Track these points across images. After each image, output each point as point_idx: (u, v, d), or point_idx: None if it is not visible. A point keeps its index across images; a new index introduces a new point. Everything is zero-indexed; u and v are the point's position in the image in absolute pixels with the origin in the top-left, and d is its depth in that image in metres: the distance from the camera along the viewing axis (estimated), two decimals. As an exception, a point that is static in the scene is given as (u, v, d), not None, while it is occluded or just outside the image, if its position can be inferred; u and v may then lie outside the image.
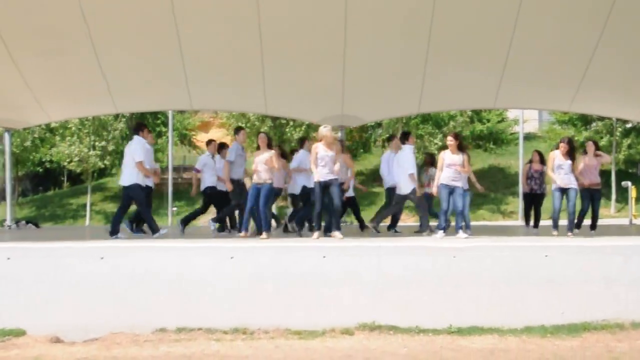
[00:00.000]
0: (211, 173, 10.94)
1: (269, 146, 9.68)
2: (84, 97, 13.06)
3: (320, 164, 9.17)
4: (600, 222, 11.10)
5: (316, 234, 9.07)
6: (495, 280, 7.26)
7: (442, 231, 9.28)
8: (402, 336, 6.91)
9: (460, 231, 9.25)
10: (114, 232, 9.54)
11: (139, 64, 11.72)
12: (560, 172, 9.68)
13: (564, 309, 7.21)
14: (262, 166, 9.39)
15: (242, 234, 9.36)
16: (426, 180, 11.87)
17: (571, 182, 9.68)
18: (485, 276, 7.29)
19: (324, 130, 9.27)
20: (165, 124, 32.50)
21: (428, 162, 12.16)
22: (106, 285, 7.23)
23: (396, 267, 7.31)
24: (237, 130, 11.07)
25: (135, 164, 9.56)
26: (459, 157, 9.48)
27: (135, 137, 9.85)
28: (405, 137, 10.78)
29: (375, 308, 7.18)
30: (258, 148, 9.64)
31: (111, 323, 7.05)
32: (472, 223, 11.12)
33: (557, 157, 9.75)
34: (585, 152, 10.49)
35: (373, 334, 6.98)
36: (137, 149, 9.65)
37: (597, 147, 10.65)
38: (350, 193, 11.57)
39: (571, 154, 9.75)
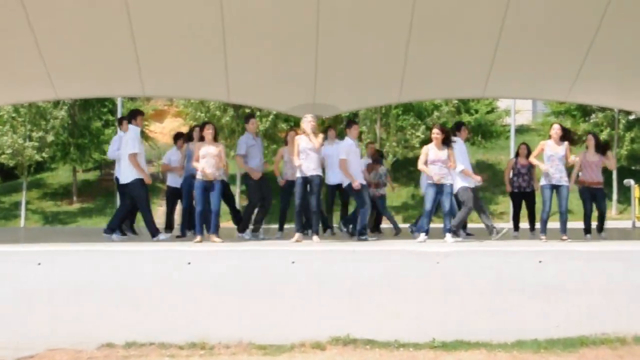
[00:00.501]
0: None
1: (216, 139, 9.64)
2: (18, 80, 12.83)
3: (302, 157, 9.29)
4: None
5: (297, 235, 9.16)
6: (483, 289, 7.35)
7: (424, 234, 9.35)
8: (379, 351, 6.94)
9: (448, 234, 9.32)
10: (109, 230, 9.76)
11: (82, 43, 11.55)
12: (552, 165, 9.66)
13: (559, 321, 7.31)
14: (209, 161, 9.30)
15: (198, 238, 9.25)
16: (375, 179, 11.95)
17: (563, 178, 9.66)
18: (472, 284, 7.37)
19: (303, 121, 9.38)
20: (113, 113, 32.14)
21: (376, 158, 12.20)
22: (43, 294, 7.15)
23: (374, 274, 7.35)
24: (248, 118, 11.07)
25: (128, 157, 9.54)
26: (444, 152, 9.55)
27: (130, 127, 9.85)
28: (457, 129, 10.74)
29: (350, 320, 7.21)
30: (202, 139, 9.56)
31: (49, 338, 6.97)
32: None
33: (547, 146, 9.73)
34: (586, 147, 10.61)
35: (347, 348, 7.00)
36: (133, 140, 9.62)
37: (598, 141, 10.76)
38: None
39: (566, 141, 9.74)
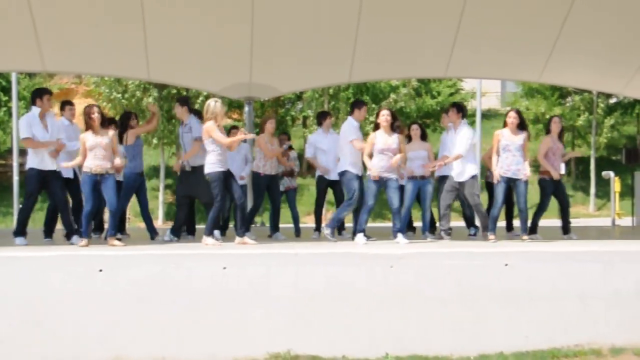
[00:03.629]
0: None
1: (104, 124, 9.44)
2: None
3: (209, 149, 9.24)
4: (576, 222, 11.49)
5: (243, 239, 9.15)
6: (443, 296, 7.48)
7: (361, 234, 9.47)
8: (325, 369, 7.04)
9: (400, 235, 9.43)
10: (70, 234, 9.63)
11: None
12: (508, 156, 9.80)
13: (528, 331, 7.50)
14: (100, 152, 9.13)
15: (84, 242, 9.03)
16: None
17: (521, 172, 9.80)
18: (431, 291, 7.50)
19: (216, 105, 9.22)
20: (7, 91, 31.45)
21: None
22: None
23: (318, 281, 7.42)
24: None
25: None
26: (394, 139, 9.62)
27: (33, 108, 9.82)
28: (460, 110, 10.82)
29: (291, 333, 7.27)
30: (87, 128, 9.34)
31: None
32: (417, 224, 11.39)
33: (503, 136, 9.89)
34: (548, 132, 10.74)
35: (288, 367, 7.07)
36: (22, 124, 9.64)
37: (562, 132, 10.87)
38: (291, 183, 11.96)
39: (522, 129, 9.92)
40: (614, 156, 34.50)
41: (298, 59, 12.91)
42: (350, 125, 10.22)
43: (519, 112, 10.05)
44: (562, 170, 10.84)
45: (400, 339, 7.32)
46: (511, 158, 9.79)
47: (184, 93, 27.64)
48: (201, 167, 9.54)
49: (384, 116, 9.63)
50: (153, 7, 11.29)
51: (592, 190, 31.57)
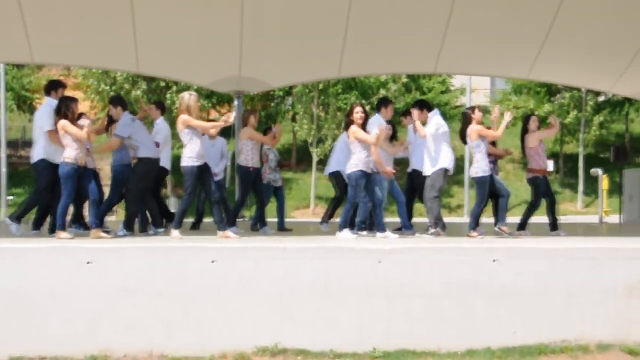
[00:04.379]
0: None
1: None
2: None
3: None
4: (564, 219, 11.51)
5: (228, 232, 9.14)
6: (431, 292, 7.49)
7: (347, 229, 9.49)
8: (312, 363, 7.05)
9: (387, 230, 9.48)
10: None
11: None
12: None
13: (515, 326, 7.53)
14: (82, 143, 9.05)
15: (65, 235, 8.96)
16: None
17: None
18: (419, 286, 7.50)
19: (190, 98, 9.17)
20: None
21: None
22: None
23: (306, 275, 7.42)
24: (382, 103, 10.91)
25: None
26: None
27: (47, 99, 9.89)
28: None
29: (279, 327, 7.28)
30: (70, 118, 9.24)
31: None
32: (418, 219, 11.42)
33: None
34: (526, 130, 10.70)
35: (276, 360, 7.09)
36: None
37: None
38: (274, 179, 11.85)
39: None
40: (602, 154, 34.66)
41: (287, 53, 12.91)
42: (378, 121, 10.22)
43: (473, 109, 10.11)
44: (550, 168, 10.87)
45: (388, 334, 7.33)
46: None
47: (173, 87, 27.58)
48: (142, 159, 9.93)
49: (358, 113, 9.62)
50: (142, 0, 11.27)
51: (580, 187, 31.74)
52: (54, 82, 10.40)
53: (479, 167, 9.78)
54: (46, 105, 9.86)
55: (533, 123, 10.59)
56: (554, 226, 10.76)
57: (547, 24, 12.06)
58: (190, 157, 9.04)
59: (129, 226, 9.89)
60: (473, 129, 9.81)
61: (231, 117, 9.21)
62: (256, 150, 10.94)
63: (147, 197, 10.33)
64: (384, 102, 10.70)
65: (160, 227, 10.29)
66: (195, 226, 12.07)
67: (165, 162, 10.87)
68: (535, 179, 10.48)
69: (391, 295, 7.45)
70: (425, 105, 10.77)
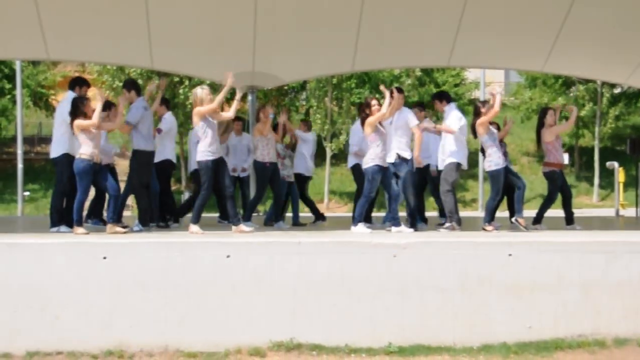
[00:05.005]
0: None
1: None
2: None
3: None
4: (580, 213, 11.49)
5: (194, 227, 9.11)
6: (446, 286, 7.47)
7: (362, 224, 9.46)
8: (328, 357, 7.04)
9: (402, 224, 9.47)
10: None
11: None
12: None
13: (531, 321, 7.50)
14: (97, 140, 9.06)
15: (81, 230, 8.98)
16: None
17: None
18: (434, 281, 7.49)
19: (202, 92, 9.18)
20: (11, 79, 31.48)
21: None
22: None
23: (320, 269, 7.41)
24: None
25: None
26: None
27: (69, 93, 9.89)
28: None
29: (294, 322, 7.28)
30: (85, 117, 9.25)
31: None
32: (430, 214, 11.35)
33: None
34: (542, 124, 10.62)
35: (291, 355, 7.07)
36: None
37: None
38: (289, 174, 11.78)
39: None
40: (618, 146, 34.47)
41: (301, 47, 12.91)
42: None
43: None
44: (565, 161, 10.81)
45: (403, 329, 7.32)
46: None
47: (186, 82, 27.61)
48: (137, 152, 9.77)
49: (375, 106, 9.57)
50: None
51: (596, 180, 31.59)
52: (81, 79, 10.40)
53: (491, 160, 9.74)
54: (69, 98, 9.84)
55: (550, 117, 10.50)
56: (569, 220, 10.71)
57: (562, 16, 11.99)
58: (204, 152, 9.06)
59: (144, 221, 9.89)
60: (479, 123, 9.78)
61: (230, 75, 9.18)
62: (271, 146, 10.93)
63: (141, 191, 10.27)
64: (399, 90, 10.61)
65: (146, 224, 10.14)
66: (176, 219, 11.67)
67: (171, 155, 10.90)
68: (552, 173, 10.43)
69: (406, 290, 7.43)
70: (445, 97, 10.74)
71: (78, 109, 8.96)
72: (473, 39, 12.62)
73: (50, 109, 37.21)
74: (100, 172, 9.09)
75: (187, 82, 27.99)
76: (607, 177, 30.22)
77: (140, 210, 10.06)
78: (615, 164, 21.36)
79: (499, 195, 9.89)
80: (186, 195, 27.84)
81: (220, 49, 12.81)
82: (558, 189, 10.50)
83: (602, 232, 10.12)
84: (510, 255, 7.62)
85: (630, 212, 19.56)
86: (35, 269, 7.20)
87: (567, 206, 10.76)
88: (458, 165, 10.19)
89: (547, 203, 10.55)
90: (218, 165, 9.16)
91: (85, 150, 8.85)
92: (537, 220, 10.44)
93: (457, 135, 10.18)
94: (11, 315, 7.06)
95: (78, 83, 10.13)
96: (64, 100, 9.93)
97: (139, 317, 7.17)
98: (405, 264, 7.50)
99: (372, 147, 9.47)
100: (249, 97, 14.74)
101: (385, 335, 7.26)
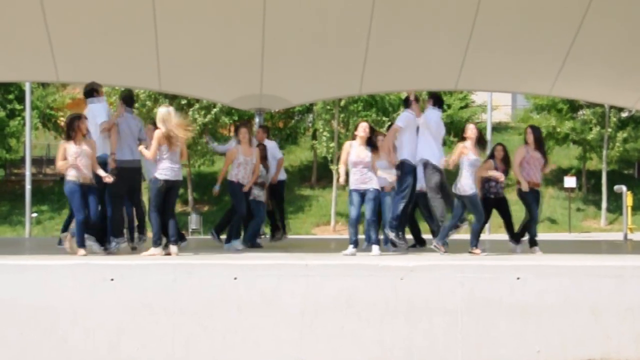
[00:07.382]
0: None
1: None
2: None
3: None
4: (587, 236, 11.41)
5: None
6: (454, 309, 7.45)
7: (352, 246, 9.32)
8: (335, 381, 7.02)
9: (375, 247, 9.26)
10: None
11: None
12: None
13: (539, 345, 7.46)
14: (85, 161, 9.04)
15: (82, 252, 8.91)
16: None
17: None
18: (441, 304, 7.46)
19: (166, 112, 8.98)
20: (21, 100, 31.61)
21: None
22: None
23: (328, 292, 7.40)
24: None
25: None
26: (367, 154, 9.35)
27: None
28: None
29: (301, 345, 7.26)
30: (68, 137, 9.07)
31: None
32: (426, 236, 11.28)
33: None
34: (526, 143, 10.48)
35: (297, 379, 7.06)
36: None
37: (539, 136, 10.62)
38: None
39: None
40: (626, 170, 34.40)
41: (309, 70, 12.96)
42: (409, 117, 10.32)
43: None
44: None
45: (410, 351, 7.29)
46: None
47: (196, 104, 27.68)
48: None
49: (362, 129, 9.44)
50: (165, 19, 11.37)
51: (604, 204, 31.47)
52: (95, 84, 10.10)
53: (462, 184, 9.56)
54: (93, 109, 9.72)
55: (529, 135, 10.29)
56: (517, 239, 10.59)
57: (569, 40, 12.02)
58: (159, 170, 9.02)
59: (116, 233, 9.61)
60: (457, 145, 9.77)
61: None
62: (250, 168, 10.67)
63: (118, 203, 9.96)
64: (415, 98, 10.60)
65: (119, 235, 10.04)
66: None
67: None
68: (520, 191, 10.32)
69: (413, 312, 7.41)
70: (434, 98, 10.71)
71: (69, 129, 8.94)
72: (481, 62, 12.65)
73: (59, 131, 37.34)
74: (88, 193, 9.00)
75: (196, 105, 28.11)
76: (615, 201, 30.12)
77: (112, 222, 9.74)
78: (624, 188, 21.27)
79: (482, 218, 9.78)
80: (193, 216, 27.87)
81: (228, 71, 12.87)
82: (533, 206, 10.30)
83: (611, 255, 10.08)
84: (518, 278, 7.59)
85: (638, 235, 19.48)
86: (43, 290, 7.20)
87: (524, 226, 10.62)
88: (433, 166, 10.11)
89: (530, 222, 10.41)
90: (169, 186, 9.02)
91: (71, 172, 8.77)
92: (532, 242, 10.31)
93: (426, 136, 10.16)
94: (19, 336, 7.06)
95: (95, 89, 9.99)
96: (89, 112, 9.76)
97: (146, 339, 7.16)
98: (413, 286, 7.48)
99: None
100: (257, 119, 14.77)
101: (392, 358, 7.24)
